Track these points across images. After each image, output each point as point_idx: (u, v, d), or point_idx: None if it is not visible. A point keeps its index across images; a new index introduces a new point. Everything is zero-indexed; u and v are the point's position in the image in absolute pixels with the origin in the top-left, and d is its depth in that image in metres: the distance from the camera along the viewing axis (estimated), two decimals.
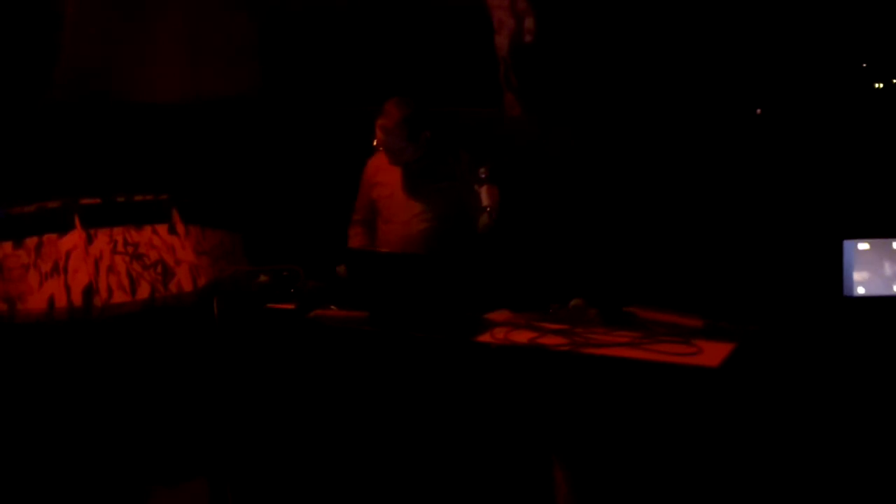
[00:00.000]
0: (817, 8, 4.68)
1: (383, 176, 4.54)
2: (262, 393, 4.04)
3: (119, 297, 4.63)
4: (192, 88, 5.75)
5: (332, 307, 4.10)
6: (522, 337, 3.72)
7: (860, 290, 3.75)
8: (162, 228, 4.79)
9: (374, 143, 4.39)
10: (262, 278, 4.31)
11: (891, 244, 3.73)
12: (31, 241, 4.68)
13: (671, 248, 4.89)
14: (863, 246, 3.74)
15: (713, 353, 3.48)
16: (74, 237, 4.67)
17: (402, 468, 3.83)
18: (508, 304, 4.08)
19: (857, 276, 3.74)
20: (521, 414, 3.63)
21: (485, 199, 4.08)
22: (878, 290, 3.76)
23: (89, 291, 4.58)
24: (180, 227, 4.81)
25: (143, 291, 4.65)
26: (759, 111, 4.83)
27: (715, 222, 4.80)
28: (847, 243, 3.75)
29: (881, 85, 4.53)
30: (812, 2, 4.70)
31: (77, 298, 4.58)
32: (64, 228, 4.70)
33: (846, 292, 3.75)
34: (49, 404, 4.45)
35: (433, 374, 3.74)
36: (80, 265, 4.63)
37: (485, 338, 3.75)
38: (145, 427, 4.48)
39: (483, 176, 4.09)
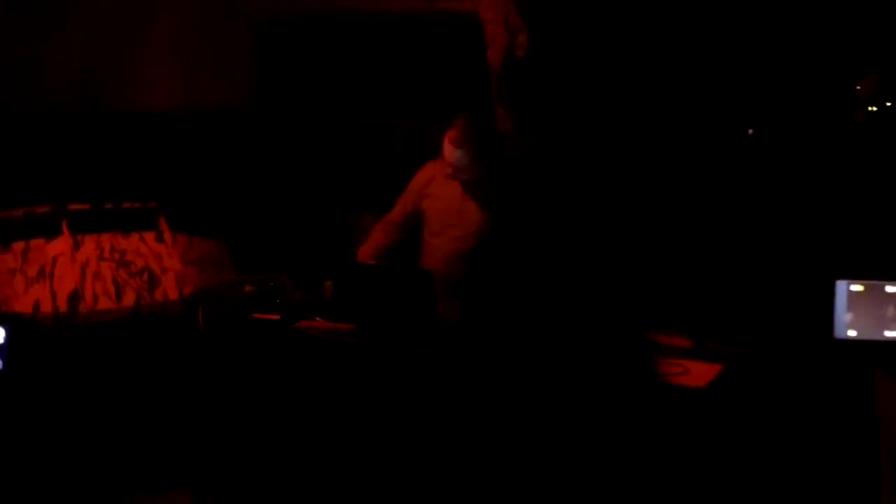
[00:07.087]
0: (810, 29, 4.69)
1: (437, 188, 4.31)
2: (246, 403, 4.01)
3: (104, 304, 4.62)
4: (185, 97, 5.74)
5: (318, 319, 4.08)
6: None
7: (851, 333, 3.65)
8: (149, 236, 4.78)
9: (443, 155, 4.18)
10: (248, 288, 4.28)
11: (884, 287, 3.63)
12: (19, 246, 4.66)
13: (660, 267, 4.88)
14: (856, 287, 3.63)
15: (700, 374, 3.47)
16: (62, 243, 4.66)
17: (388, 480, 3.80)
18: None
19: (849, 317, 3.64)
20: (507, 428, 3.61)
21: None
22: (869, 335, 3.66)
23: (75, 297, 4.57)
24: (168, 236, 4.79)
25: (129, 299, 4.63)
26: (750, 131, 4.83)
27: (705, 242, 4.80)
28: (840, 283, 3.65)
29: (874, 108, 4.53)
30: (804, 23, 4.71)
31: (62, 304, 4.57)
32: (51, 233, 4.69)
33: (837, 334, 3.65)
34: (33, 410, 4.42)
35: (418, 386, 3.72)
36: (67, 271, 4.62)
37: None
38: (129, 434, 4.45)
39: None
